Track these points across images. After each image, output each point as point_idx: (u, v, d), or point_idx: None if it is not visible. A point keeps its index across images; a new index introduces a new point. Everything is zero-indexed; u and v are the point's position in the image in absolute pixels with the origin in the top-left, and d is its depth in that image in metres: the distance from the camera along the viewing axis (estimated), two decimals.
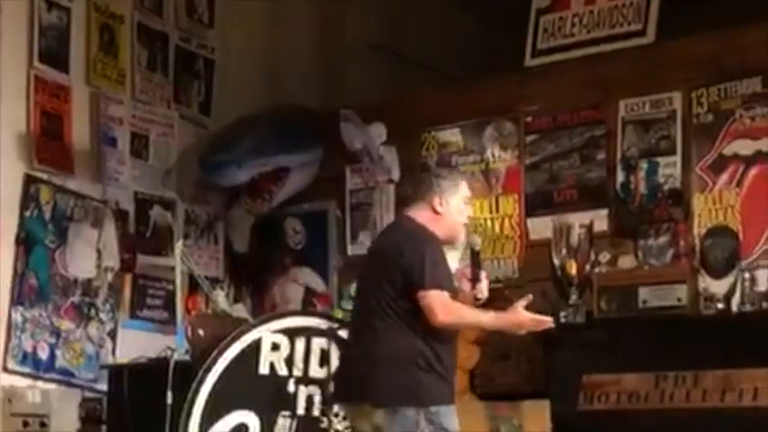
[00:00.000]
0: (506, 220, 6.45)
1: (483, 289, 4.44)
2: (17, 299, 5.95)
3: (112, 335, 6.37)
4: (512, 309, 4.33)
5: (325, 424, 5.45)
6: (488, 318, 4.34)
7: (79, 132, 6.37)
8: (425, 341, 4.27)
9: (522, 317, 4.29)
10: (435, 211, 4.46)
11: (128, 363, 5.88)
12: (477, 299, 4.43)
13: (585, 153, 6.29)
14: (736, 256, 5.58)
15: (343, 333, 5.54)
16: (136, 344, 6.21)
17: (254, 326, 5.46)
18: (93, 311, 6.27)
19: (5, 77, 6.00)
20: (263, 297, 6.96)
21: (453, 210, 4.48)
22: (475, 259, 4.52)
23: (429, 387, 4.27)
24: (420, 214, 4.47)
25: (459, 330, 4.49)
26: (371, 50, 7.99)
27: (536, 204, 6.39)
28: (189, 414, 5.20)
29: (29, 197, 6.05)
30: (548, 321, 4.32)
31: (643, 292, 5.59)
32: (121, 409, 5.54)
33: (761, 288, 5.50)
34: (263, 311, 6.66)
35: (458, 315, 4.31)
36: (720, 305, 5.47)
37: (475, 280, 4.47)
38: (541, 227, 6.27)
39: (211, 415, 5.24)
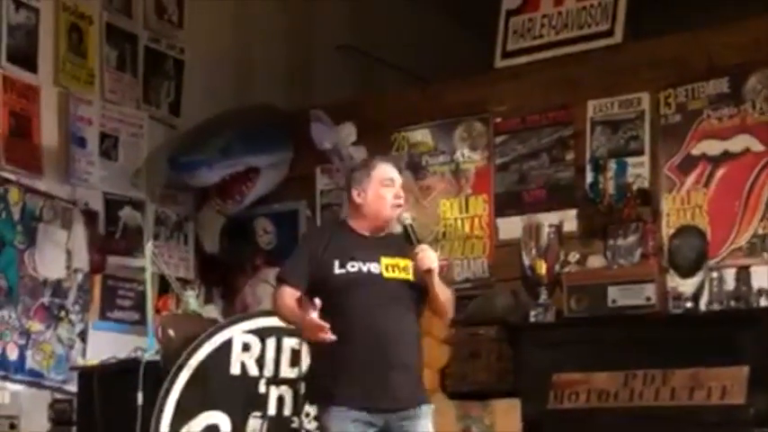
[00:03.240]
0: (476, 221, 6.49)
1: (424, 260, 4.26)
2: None
3: (82, 336, 6.34)
4: (307, 310, 4.24)
5: (296, 424, 5.44)
6: (294, 315, 4.30)
7: (48, 133, 6.34)
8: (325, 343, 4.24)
9: (306, 319, 4.20)
10: (356, 203, 4.44)
11: (98, 364, 5.84)
12: (426, 271, 4.28)
13: (554, 153, 6.33)
14: (703, 255, 5.64)
15: None
16: (106, 345, 6.18)
17: (225, 326, 5.44)
18: (62, 313, 6.25)
19: None
20: (234, 297, 6.94)
21: (371, 197, 4.40)
22: (408, 234, 4.36)
23: (319, 387, 4.34)
24: (349, 210, 4.51)
25: (370, 325, 4.24)
26: (339, 51, 8.01)
27: (505, 204, 6.42)
28: (160, 415, 5.17)
29: None
30: (325, 337, 4.14)
31: (612, 292, 5.62)
32: (92, 411, 5.50)
33: (728, 287, 5.55)
34: (234, 312, 6.64)
35: (277, 309, 4.39)
36: (689, 304, 5.52)
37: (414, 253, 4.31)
38: (511, 227, 6.30)
39: (182, 416, 5.21)
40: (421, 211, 6.55)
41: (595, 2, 6.46)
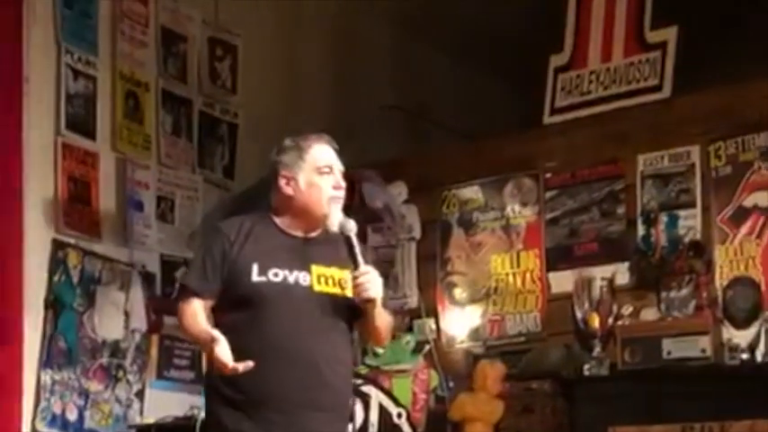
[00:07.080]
0: (527, 275, 6.50)
1: (365, 290, 3.49)
2: (46, 362, 5.99)
3: (140, 395, 6.40)
4: (217, 336, 3.39)
5: None
6: (200, 339, 3.45)
7: (106, 197, 6.44)
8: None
9: (217, 349, 3.35)
10: (284, 195, 3.68)
11: (155, 422, 5.91)
12: (366, 300, 3.54)
13: (605, 207, 6.34)
14: (758, 306, 5.61)
15: (366, 389, 5.58)
16: (163, 404, 6.24)
17: None
18: (120, 372, 6.31)
19: (33, 144, 6.08)
20: None
21: (304, 187, 3.68)
22: (350, 248, 3.59)
23: (211, 420, 3.60)
24: (275, 203, 3.72)
25: (292, 351, 3.46)
26: (387, 111, 8.11)
27: (557, 259, 6.44)
28: None
29: (57, 262, 6.11)
30: (229, 367, 3.34)
31: (667, 344, 5.60)
32: None
33: None
34: None
35: (182, 329, 3.60)
36: (745, 355, 5.49)
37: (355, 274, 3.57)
38: (563, 281, 6.32)
39: None
40: (472, 266, 6.60)
41: (643, 57, 6.51)
